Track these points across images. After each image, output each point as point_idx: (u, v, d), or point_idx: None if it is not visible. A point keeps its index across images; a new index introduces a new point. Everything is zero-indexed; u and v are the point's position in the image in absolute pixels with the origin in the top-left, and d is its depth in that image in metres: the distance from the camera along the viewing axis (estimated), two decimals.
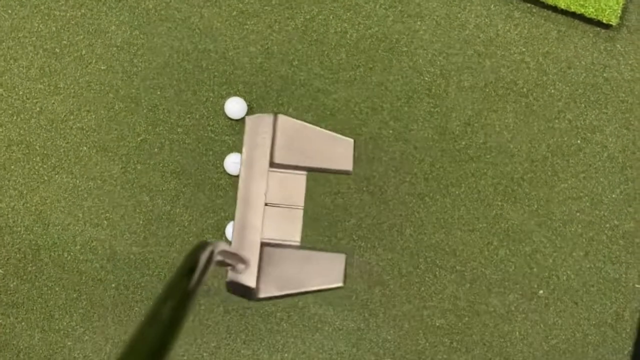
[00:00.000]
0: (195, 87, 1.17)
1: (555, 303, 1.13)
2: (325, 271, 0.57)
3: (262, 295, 0.57)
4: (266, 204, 0.58)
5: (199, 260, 0.46)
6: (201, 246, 0.49)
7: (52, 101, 1.17)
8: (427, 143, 1.16)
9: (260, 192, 0.58)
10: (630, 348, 1.12)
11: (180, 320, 0.38)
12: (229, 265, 0.56)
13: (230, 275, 0.57)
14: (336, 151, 0.59)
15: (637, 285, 1.14)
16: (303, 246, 0.58)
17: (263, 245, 0.56)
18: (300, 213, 0.59)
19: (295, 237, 0.59)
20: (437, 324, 1.12)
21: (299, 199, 0.59)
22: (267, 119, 0.58)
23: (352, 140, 0.60)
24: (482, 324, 1.13)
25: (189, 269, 0.45)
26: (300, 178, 0.59)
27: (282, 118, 0.58)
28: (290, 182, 0.58)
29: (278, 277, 0.56)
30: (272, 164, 0.57)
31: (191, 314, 0.38)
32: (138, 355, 0.35)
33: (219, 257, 0.52)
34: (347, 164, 0.60)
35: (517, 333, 1.13)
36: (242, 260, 0.56)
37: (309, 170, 0.59)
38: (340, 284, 0.57)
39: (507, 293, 1.13)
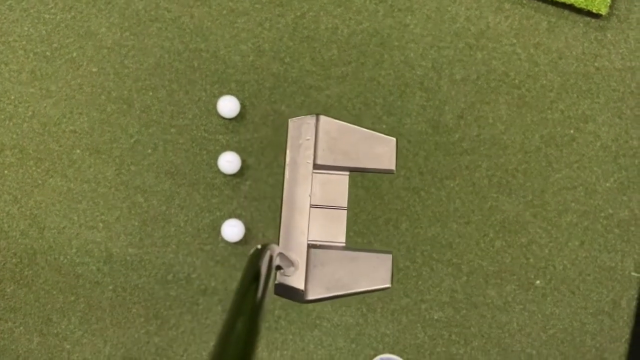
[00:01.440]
0: (188, 86, 1.16)
1: (552, 293, 1.14)
2: (372, 272, 0.56)
3: (310, 297, 0.56)
4: (311, 206, 0.58)
5: (262, 268, 0.45)
6: (260, 252, 0.48)
7: (44, 105, 1.17)
8: (421, 137, 1.16)
9: (305, 195, 0.58)
10: (627, 335, 1.13)
11: (256, 332, 0.37)
12: (279, 268, 0.56)
13: (279, 277, 0.57)
14: (378, 151, 0.58)
15: (633, 273, 1.14)
16: (348, 247, 0.57)
17: (310, 247, 0.56)
18: (344, 214, 0.59)
19: (340, 238, 0.58)
20: (435, 317, 1.13)
21: (343, 199, 0.58)
22: (309, 120, 0.57)
23: (394, 139, 0.60)
24: (480, 315, 1.13)
25: (253, 278, 0.44)
26: (343, 179, 0.59)
27: (323, 119, 0.58)
28: (334, 183, 0.58)
29: (326, 278, 0.56)
30: (315, 166, 0.57)
31: (263, 323, 0.38)
32: None
33: (277, 261, 0.51)
34: (389, 164, 0.60)
35: (515, 324, 1.13)
36: (292, 263, 0.56)
37: (352, 170, 0.59)
38: (388, 285, 0.57)
39: (504, 284, 1.13)
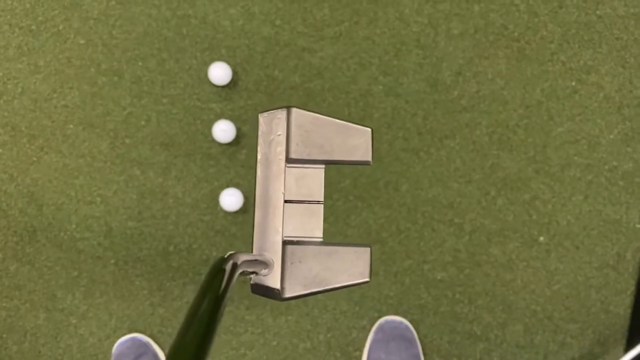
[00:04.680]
0: (178, 55, 1.14)
1: (557, 248, 1.13)
2: (350, 267, 0.56)
3: (287, 295, 0.56)
4: (285, 201, 0.56)
5: (223, 278, 0.44)
6: (221, 262, 0.47)
7: (34, 80, 1.15)
8: (418, 96, 1.13)
9: (279, 191, 0.56)
10: (632, 288, 1.12)
11: (209, 340, 0.38)
12: (252, 273, 0.55)
13: (255, 278, 0.56)
14: (354, 142, 0.57)
15: (637, 226, 1.13)
16: (325, 242, 0.56)
17: (285, 243, 0.55)
18: (321, 208, 0.57)
19: (317, 233, 0.57)
20: (439, 277, 1.12)
21: (319, 193, 0.57)
22: (280, 114, 0.56)
23: (369, 130, 0.58)
24: (483, 274, 1.12)
25: (214, 286, 0.43)
26: (319, 172, 0.58)
27: (295, 112, 0.56)
28: (309, 177, 0.57)
29: (302, 275, 0.55)
30: (289, 160, 0.55)
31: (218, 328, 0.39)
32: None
33: (242, 269, 0.51)
34: (365, 155, 0.58)
35: (520, 281, 1.12)
36: (265, 265, 0.55)
37: (327, 163, 0.58)
38: (366, 279, 0.56)
39: (507, 242, 1.12)
